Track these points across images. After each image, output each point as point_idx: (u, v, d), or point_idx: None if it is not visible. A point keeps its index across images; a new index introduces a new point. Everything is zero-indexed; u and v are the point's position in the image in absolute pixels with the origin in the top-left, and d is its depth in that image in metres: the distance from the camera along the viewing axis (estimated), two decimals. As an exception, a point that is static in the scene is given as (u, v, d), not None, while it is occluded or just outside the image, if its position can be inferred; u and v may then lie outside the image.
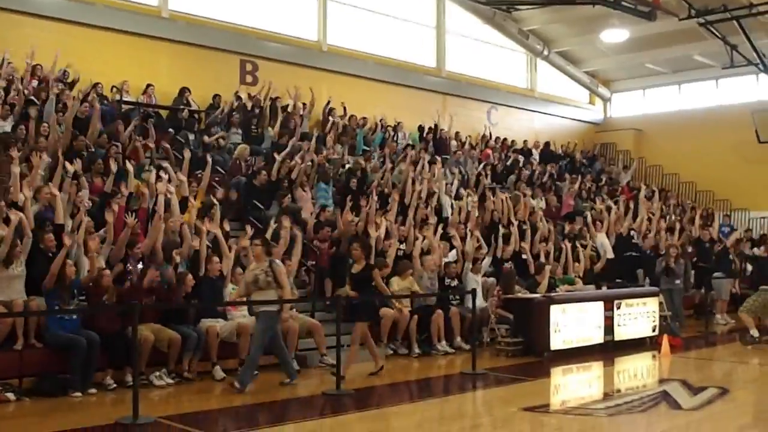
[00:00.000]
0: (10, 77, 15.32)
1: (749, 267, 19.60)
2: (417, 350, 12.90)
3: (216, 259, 11.46)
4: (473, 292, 12.64)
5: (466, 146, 22.85)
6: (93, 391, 9.37)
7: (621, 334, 14.01)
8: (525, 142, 25.96)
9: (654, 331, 14.59)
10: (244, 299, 10.60)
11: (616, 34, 23.90)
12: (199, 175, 14.82)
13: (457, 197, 18.00)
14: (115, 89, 17.35)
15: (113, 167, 12.83)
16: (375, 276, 11.05)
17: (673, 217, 22.48)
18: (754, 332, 14.42)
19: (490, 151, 23.48)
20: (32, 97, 15.13)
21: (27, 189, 10.90)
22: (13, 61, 15.87)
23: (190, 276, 10.92)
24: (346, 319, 11.01)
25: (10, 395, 8.97)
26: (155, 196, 12.34)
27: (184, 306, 10.80)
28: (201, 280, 11.18)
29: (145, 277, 10.45)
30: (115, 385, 9.57)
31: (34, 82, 15.80)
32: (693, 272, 18.11)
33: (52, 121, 13.87)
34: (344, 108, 21.11)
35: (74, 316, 9.70)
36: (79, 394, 9.14)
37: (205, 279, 11.29)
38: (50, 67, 16.30)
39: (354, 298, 11.07)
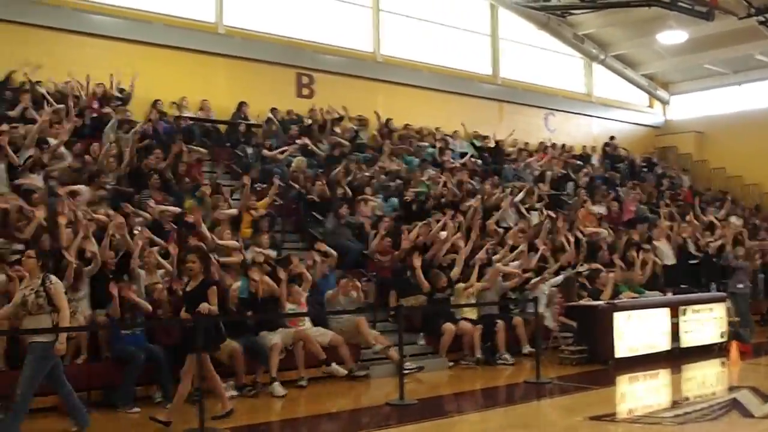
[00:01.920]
0: (75, 98, 15.72)
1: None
2: (476, 356, 12.79)
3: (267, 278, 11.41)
4: (536, 300, 12.56)
5: (524, 154, 22.71)
6: (169, 406, 9.35)
7: (688, 340, 13.77)
8: (584, 147, 25.75)
9: (722, 337, 14.30)
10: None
11: (673, 35, 23.63)
12: (258, 189, 15.04)
13: (519, 209, 17.82)
14: (174, 105, 17.66)
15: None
16: (210, 293, 8.63)
17: (738, 222, 22.08)
18: None
19: (548, 158, 23.31)
20: (94, 114, 15.49)
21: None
22: (75, 82, 16.23)
23: (236, 291, 11.03)
24: (408, 329, 11.06)
25: (81, 407, 9.16)
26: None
27: (239, 318, 10.84)
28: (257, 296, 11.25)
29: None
30: (161, 399, 9.64)
31: (95, 103, 16.11)
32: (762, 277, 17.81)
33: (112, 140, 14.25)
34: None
35: (138, 331, 9.87)
36: (137, 409, 9.23)
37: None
38: (115, 87, 16.70)
39: (189, 322, 8.75)
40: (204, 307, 8.39)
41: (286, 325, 11.29)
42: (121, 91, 16.90)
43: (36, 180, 12.39)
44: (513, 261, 14.53)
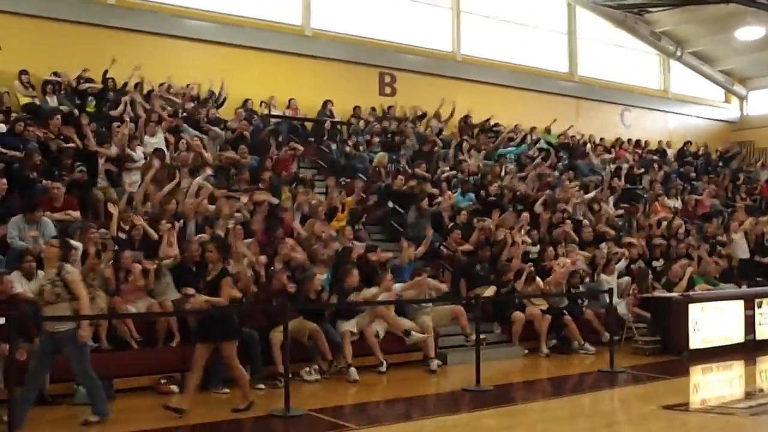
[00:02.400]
0: (169, 96, 16.14)
1: None
2: (546, 349, 12.67)
3: (355, 272, 11.49)
4: (609, 291, 12.38)
5: (600, 149, 22.36)
6: (262, 387, 9.62)
7: (763, 333, 13.44)
8: (660, 142, 25.24)
9: (799, 330, 13.90)
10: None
11: (751, 31, 22.97)
12: (343, 183, 15.19)
13: (592, 204, 17.53)
14: (263, 104, 17.93)
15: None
16: (224, 285, 8.44)
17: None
18: None
19: (624, 153, 22.94)
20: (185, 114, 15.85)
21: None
22: (172, 83, 16.68)
23: (317, 281, 11.08)
24: (484, 318, 11.01)
25: (174, 387, 9.39)
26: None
27: (321, 306, 10.93)
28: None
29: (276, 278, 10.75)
30: (252, 380, 9.55)
31: (190, 104, 16.47)
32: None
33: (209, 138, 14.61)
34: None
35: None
36: (226, 390, 9.32)
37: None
38: (206, 89, 17.09)
39: (207, 312, 8.59)
40: (196, 300, 8.39)
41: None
42: (212, 94, 17.23)
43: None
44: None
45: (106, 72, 15.67)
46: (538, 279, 13.26)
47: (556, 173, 18.83)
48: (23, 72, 15.07)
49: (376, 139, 18.07)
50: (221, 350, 8.30)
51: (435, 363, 11.21)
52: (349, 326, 10.90)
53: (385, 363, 10.88)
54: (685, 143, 25.59)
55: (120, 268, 10.16)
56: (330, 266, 11.90)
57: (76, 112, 14.43)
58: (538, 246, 14.57)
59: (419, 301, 11.70)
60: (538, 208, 15.88)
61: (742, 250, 16.95)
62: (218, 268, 8.46)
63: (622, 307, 13.53)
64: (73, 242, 9.69)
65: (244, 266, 10.72)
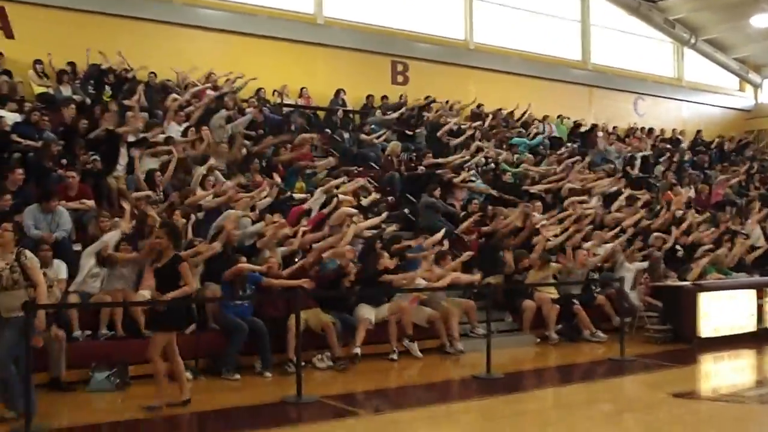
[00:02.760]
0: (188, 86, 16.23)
1: None
2: (555, 337, 12.68)
3: (386, 254, 11.64)
4: (622, 279, 12.41)
5: (613, 137, 22.33)
6: (268, 374, 9.67)
7: (774, 322, 13.45)
8: (674, 131, 25.17)
9: (811, 319, 13.89)
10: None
11: (766, 18, 22.79)
12: (356, 172, 15.25)
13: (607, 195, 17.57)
14: (276, 93, 18.00)
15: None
16: (183, 270, 8.05)
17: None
18: None
19: (637, 141, 22.91)
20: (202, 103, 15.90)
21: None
22: (187, 73, 16.80)
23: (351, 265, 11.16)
24: (498, 305, 11.05)
25: (188, 374, 9.44)
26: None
27: (337, 294, 10.95)
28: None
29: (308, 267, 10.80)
30: (259, 369, 9.83)
31: (209, 92, 16.53)
32: None
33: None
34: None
35: (245, 304, 10.15)
36: (238, 376, 9.46)
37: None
38: (225, 80, 17.07)
39: (160, 303, 8.10)
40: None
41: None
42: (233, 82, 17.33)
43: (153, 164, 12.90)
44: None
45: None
46: (552, 264, 13.29)
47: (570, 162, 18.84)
48: (37, 62, 15.22)
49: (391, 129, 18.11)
50: (169, 341, 7.95)
51: (457, 346, 11.39)
52: (368, 314, 10.98)
53: (396, 351, 10.94)
54: (698, 132, 25.52)
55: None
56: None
57: (88, 101, 14.52)
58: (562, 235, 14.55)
59: (436, 289, 11.81)
60: (564, 191, 16.01)
61: (757, 239, 16.90)
62: (169, 255, 8.09)
63: (634, 296, 13.57)
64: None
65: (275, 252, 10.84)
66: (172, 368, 8.05)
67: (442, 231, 13.02)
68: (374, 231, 12.73)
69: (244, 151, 14.38)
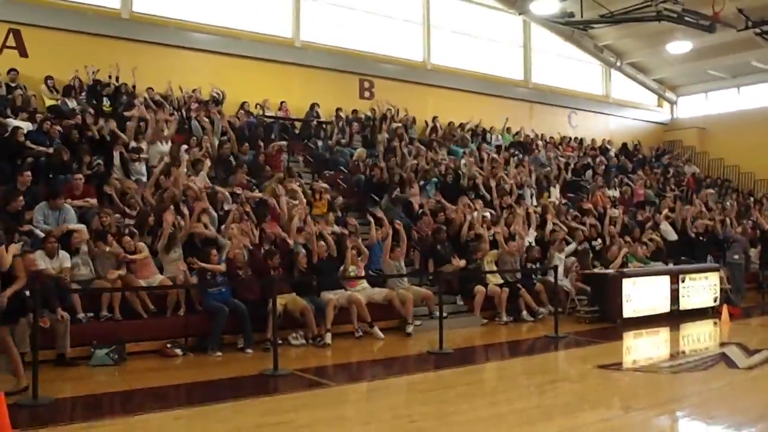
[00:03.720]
0: (177, 100, 16.06)
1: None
2: (505, 318, 12.77)
3: (322, 243, 11.59)
4: (555, 268, 12.48)
5: (549, 146, 22.46)
6: (249, 351, 9.62)
7: (685, 304, 13.57)
8: (604, 140, 25.34)
9: (715, 301, 14.07)
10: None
11: (680, 45, 23.06)
12: (327, 175, 15.17)
13: (541, 190, 17.68)
14: (258, 106, 17.88)
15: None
16: (18, 266, 7.33)
17: (735, 204, 21.63)
18: None
19: (570, 150, 23.09)
20: (192, 115, 15.76)
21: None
22: (177, 88, 16.63)
23: (303, 254, 11.20)
24: (446, 291, 11.02)
25: (178, 351, 9.40)
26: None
27: (308, 279, 10.97)
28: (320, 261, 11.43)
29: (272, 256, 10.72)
30: (242, 346, 9.79)
31: (194, 105, 16.39)
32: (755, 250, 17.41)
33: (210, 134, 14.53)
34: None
35: (223, 289, 10.05)
36: (219, 353, 9.40)
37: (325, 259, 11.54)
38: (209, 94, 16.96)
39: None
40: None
41: (345, 287, 11.44)
42: (218, 94, 17.20)
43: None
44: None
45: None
46: (491, 251, 13.32)
47: (510, 166, 18.90)
48: (48, 78, 15.02)
49: (356, 137, 18.07)
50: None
51: (411, 327, 11.37)
52: (333, 296, 10.94)
53: (359, 330, 10.95)
54: (622, 144, 25.76)
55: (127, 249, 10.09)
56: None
57: (92, 111, 14.30)
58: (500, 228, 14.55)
59: (398, 276, 11.83)
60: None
61: (670, 234, 17.07)
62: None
63: (567, 282, 13.66)
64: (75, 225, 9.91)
65: (239, 244, 10.74)
66: (9, 360, 7.16)
67: (387, 225, 12.76)
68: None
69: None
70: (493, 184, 16.49)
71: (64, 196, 10.59)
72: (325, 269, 11.35)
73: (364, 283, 11.70)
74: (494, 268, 13.18)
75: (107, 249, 9.78)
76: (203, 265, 10.11)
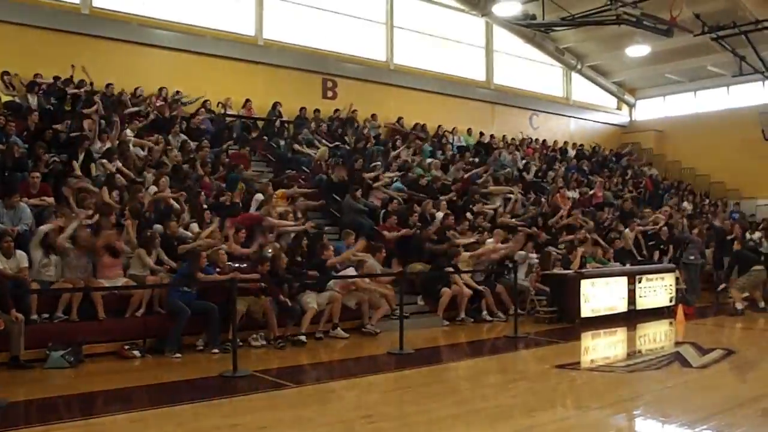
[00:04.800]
0: (141, 98, 15.86)
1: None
2: (465, 317, 12.83)
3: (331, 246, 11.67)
4: (515, 269, 12.57)
5: (511, 147, 22.62)
6: (216, 351, 9.54)
7: (642, 303, 13.82)
8: (565, 143, 25.63)
9: (671, 301, 14.32)
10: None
11: (639, 49, 23.38)
12: (288, 174, 15.10)
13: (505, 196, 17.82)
14: (220, 104, 17.72)
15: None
16: None
17: (690, 206, 22.05)
18: (740, 305, 13.97)
19: (531, 151, 23.27)
20: (156, 113, 15.59)
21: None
22: (142, 86, 16.38)
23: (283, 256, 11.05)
24: (408, 291, 11.02)
25: (136, 353, 9.27)
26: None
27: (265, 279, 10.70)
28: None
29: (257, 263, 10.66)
30: (202, 347, 9.73)
31: (159, 102, 16.20)
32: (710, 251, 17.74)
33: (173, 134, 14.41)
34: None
35: (192, 291, 9.94)
36: (179, 355, 9.29)
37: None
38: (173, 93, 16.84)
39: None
40: None
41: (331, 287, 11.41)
42: (177, 93, 17.02)
43: (110, 167, 12.53)
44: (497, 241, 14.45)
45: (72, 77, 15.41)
46: (464, 253, 13.38)
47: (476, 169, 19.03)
48: (5, 73, 14.69)
49: (323, 138, 18.00)
50: None
51: (372, 327, 11.43)
52: (312, 302, 10.88)
53: (321, 332, 10.96)
54: (580, 145, 26.06)
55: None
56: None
57: (51, 109, 14.06)
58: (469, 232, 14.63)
59: (367, 276, 11.81)
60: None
61: (628, 235, 17.29)
62: None
63: (527, 283, 13.77)
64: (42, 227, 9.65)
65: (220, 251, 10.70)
66: None
67: (361, 241, 12.68)
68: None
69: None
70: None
71: (20, 194, 10.38)
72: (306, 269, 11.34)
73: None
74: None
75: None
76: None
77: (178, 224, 11.17)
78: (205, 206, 12.16)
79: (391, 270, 13.02)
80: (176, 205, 11.75)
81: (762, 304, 14.46)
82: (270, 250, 11.28)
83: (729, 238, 16.78)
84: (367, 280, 11.66)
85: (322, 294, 11.15)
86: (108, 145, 13.21)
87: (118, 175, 12.15)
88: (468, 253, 13.44)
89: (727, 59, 23.80)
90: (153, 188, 12.21)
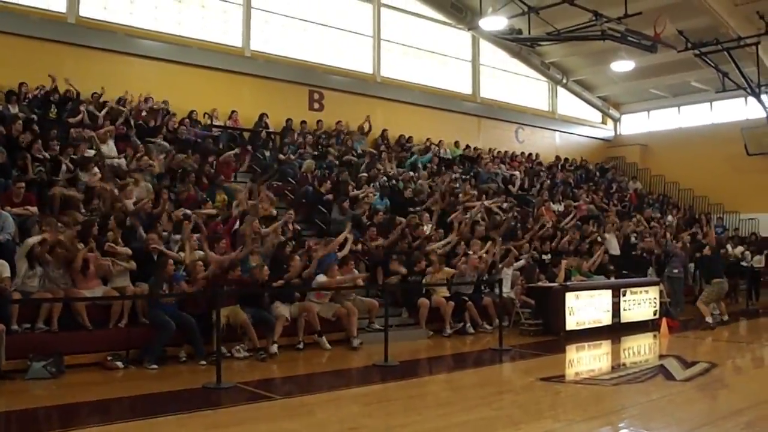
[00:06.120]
0: (125, 107, 15.77)
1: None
2: (449, 330, 12.86)
3: (297, 258, 11.55)
4: (500, 282, 12.59)
5: (497, 161, 22.70)
6: (204, 363, 9.47)
7: (626, 317, 13.89)
8: (555, 157, 25.69)
9: (655, 314, 14.39)
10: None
11: (623, 64, 23.54)
12: (275, 185, 15.07)
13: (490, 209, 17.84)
14: (206, 115, 17.66)
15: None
16: None
17: (675, 219, 22.19)
18: (709, 319, 14.02)
19: (517, 165, 23.36)
20: (141, 122, 15.52)
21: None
22: (129, 96, 16.29)
23: (264, 267, 10.97)
24: (393, 303, 11.00)
25: (119, 363, 9.19)
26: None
27: (255, 291, 10.78)
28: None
29: (229, 269, 10.57)
30: (185, 358, 9.70)
31: (144, 112, 16.13)
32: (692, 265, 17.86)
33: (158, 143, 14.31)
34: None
35: (172, 301, 9.90)
36: (155, 366, 9.22)
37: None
38: (157, 102, 16.72)
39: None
40: None
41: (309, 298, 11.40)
42: (165, 102, 16.96)
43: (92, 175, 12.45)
44: (483, 251, 14.46)
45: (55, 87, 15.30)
46: (446, 268, 13.39)
47: (459, 181, 19.08)
48: (-13, 82, 14.58)
49: (308, 149, 17.98)
50: None
51: (357, 341, 11.32)
52: (284, 312, 10.86)
53: (303, 342, 10.97)
54: (564, 159, 26.19)
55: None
56: (267, 256, 11.78)
57: (34, 118, 13.96)
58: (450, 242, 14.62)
59: (347, 288, 11.79)
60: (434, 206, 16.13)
61: (613, 248, 17.40)
62: None
63: (512, 295, 13.79)
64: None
65: (195, 258, 10.60)
66: None
67: (345, 233, 12.76)
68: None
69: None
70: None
71: (2, 203, 10.31)
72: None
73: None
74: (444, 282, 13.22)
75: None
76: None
77: (160, 237, 11.07)
78: (183, 216, 12.02)
79: (376, 282, 13.06)
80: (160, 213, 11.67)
81: (725, 317, 14.62)
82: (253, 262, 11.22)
83: (704, 242, 16.71)
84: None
85: (294, 304, 11.14)
86: (92, 153, 13.11)
87: (101, 185, 12.04)
88: (449, 269, 13.44)
89: (710, 75, 24.02)
90: (134, 198, 12.13)
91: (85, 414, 7.11)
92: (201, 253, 10.95)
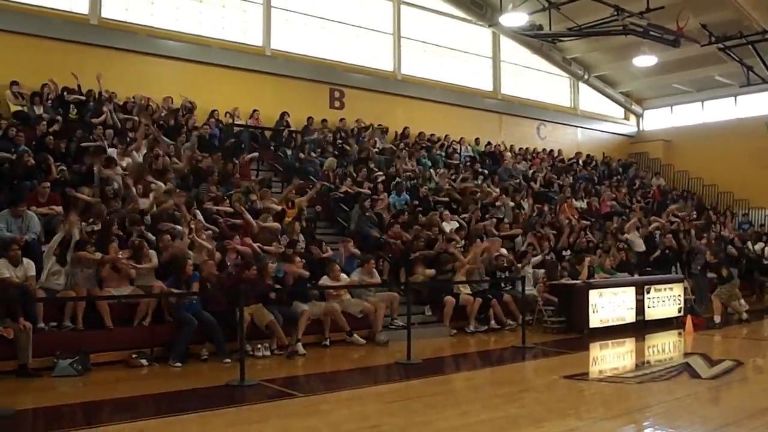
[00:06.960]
0: (148, 108, 15.91)
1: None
2: (472, 328, 12.84)
3: (297, 258, 11.50)
4: (522, 279, 12.55)
5: (518, 157, 22.62)
6: (228, 361, 9.51)
7: (650, 314, 13.76)
8: (577, 153, 25.57)
9: (679, 312, 14.26)
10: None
11: (646, 59, 23.36)
12: (297, 184, 15.11)
13: (514, 202, 17.80)
14: (228, 114, 17.77)
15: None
16: None
17: (697, 216, 21.97)
18: (717, 318, 13.90)
19: (539, 161, 23.26)
20: (162, 122, 15.63)
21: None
22: (150, 96, 16.46)
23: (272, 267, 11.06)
24: (415, 301, 11.01)
25: (144, 361, 9.28)
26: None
27: (269, 290, 10.77)
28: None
29: (244, 269, 10.64)
30: (207, 356, 9.75)
31: (164, 112, 16.26)
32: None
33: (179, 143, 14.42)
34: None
35: (194, 300, 9.97)
36: (179, 364, 9.28)
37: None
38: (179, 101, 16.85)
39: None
40: None
41: (317, 297, 11.44)
42: (191, 103, 17.10)
43: (114, 175, 12.55)
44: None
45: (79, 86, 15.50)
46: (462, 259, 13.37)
47: (481, 178, 19.04)
48: (14, 83, 14.76)
49: (329, 148, 18.02)
50: None
51: (383, 336, 11.39)
52: (305, 308, 10.89)
53: (329, 339, 11.00)
54: (587, 155, 26.04)
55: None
56: (278, 260, 11.79)
57: (59, 119, 14.12)
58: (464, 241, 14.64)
59: (367, 286, 11.80)
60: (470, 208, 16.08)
61: (638, 245, 17.27)
62: None
63: (535, 293, 13.74)
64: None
65: (205, 257, 10.67)
66: None
67: (350, 243, 12.77)
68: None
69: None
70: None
71: (29, 203, 10.44)
72: (295, 284, 11.26)
73: (347, 293, 11.72)
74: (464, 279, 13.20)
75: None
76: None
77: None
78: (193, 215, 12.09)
79: (398, 280, 13.07)
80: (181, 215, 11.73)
81: (744, 316, 14.51)
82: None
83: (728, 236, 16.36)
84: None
85: (314, 303, 11.17)
86: (116, 154, 13.23)
87: (124, 183, 12.15)
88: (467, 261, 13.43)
89: (734, 69, 23.80)
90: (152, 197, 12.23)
91: (111, 411, 7.18)
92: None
